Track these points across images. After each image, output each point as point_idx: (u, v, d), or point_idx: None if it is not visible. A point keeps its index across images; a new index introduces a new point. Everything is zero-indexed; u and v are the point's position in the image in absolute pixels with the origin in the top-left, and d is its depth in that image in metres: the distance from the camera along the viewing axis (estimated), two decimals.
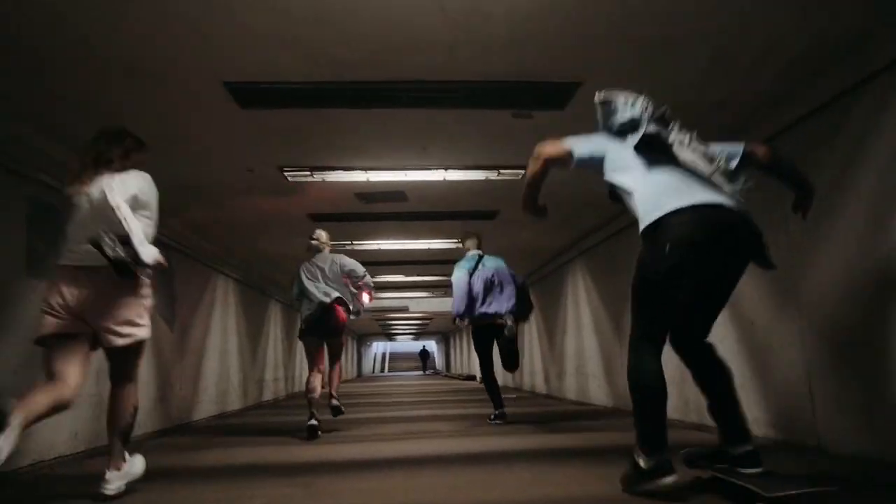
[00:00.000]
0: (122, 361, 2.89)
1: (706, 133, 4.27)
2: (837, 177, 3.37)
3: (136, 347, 2.87)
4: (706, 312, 2.54)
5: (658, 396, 2.29)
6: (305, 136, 4.32)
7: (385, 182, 5.35)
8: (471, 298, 5.53)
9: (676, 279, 2.33)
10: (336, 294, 5.14)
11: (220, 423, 6.79)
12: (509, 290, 5.57)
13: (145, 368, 5.50)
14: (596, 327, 7.65)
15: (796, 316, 3.72)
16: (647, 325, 2.40)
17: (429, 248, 8.63)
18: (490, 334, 5.69)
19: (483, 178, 5.29)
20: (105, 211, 2.61)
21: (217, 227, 6.72)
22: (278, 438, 5.15)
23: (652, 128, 2.47)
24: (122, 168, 2.88)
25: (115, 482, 2.79)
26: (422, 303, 16.93)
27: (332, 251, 5.56)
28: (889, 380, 2.98)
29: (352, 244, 8.30)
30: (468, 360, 21.60)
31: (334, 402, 5.36)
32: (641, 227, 2.45)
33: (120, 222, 2.55)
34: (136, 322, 2.82)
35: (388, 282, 12.56)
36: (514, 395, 10.17)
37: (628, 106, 2.60)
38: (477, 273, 5.62)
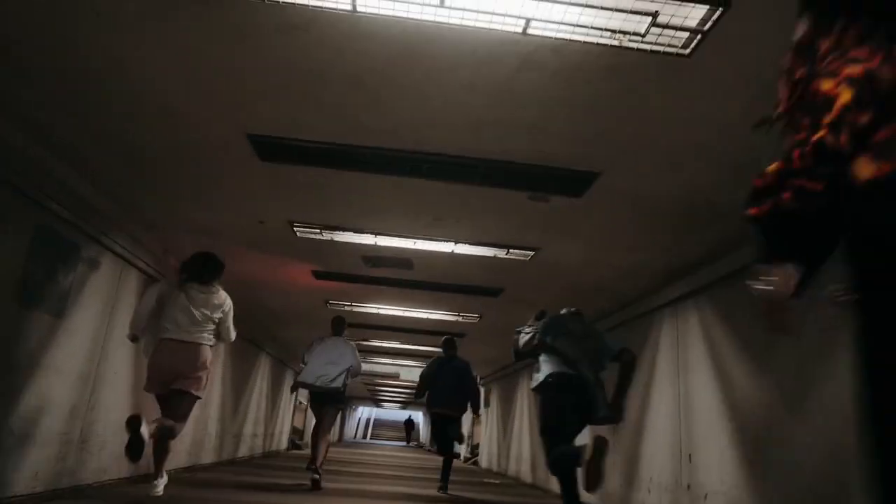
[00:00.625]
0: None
1: (729, 234, 4.28)
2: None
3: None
4: (577, 428, 4.21)
5: (572, 472, 3.92)
6: (319, 194, 4.33)
7: (393, 248, 5.32)
8: (431, 388, 6.76)
9: (560, 411, 4.06)
10: (338, 383, 5.87)
11: (191, 477, 6.47)
12: (465, 390, 6.84)
13: (116, 409, 5.31)
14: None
15: (807, 433, 3.57)
16: (552, 446, 4.02)
17: (428, 318, 8.52)
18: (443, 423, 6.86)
19: (492, 255, 5.27)
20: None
21: None
22: (249, 502, 4.88)
23: (543, 337, 4.33)
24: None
25: (161, 485, 4.24)
26: (413, 371, 16.60)
27: (346, 338, 6.35)
28: None
29: (351, 306, 8.20)
30: None
31: (315, 476, 5.77)
32: (535, 384, 4.23)
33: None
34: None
35: (382, 347, 12.36)
36: (498, 481, 9.76)
37: (537, 323, 4.48)
38: (444, 370, 6.82)
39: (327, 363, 5.93)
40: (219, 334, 4.43)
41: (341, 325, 6.37)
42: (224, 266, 4.53)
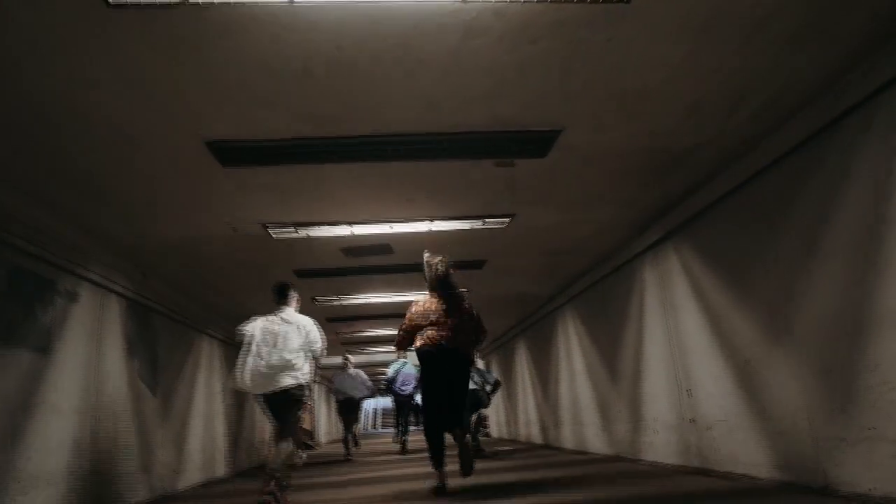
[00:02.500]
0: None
1: (691, 176, 4.34)
2: (819, 212, 3.40)
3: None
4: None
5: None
6: (288, 193, 4.31)
7: (371, 235, 5.33)
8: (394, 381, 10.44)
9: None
10: (358, 395, 10.22)
11: (207, 492, 6.50)
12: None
13: (126, 436, 5.30)
14: (590, 374, 7.54)
15: (792, 352, 3.68)
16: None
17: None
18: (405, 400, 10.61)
19: (469, 227, 5.29)
20: None
21: (199, 286, 6.63)
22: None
23: None
24: None
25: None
26: (413, 356, 16.66)
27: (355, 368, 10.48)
28: (890, 412, 2.92)
29: (339, 300, 8.20)
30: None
31: (349, 457, 9.72)
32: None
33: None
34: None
35: (377, 336, 12.38)
36: (511, 448, 9.94)
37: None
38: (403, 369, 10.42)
39: (351, 388, 10.11)
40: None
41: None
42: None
